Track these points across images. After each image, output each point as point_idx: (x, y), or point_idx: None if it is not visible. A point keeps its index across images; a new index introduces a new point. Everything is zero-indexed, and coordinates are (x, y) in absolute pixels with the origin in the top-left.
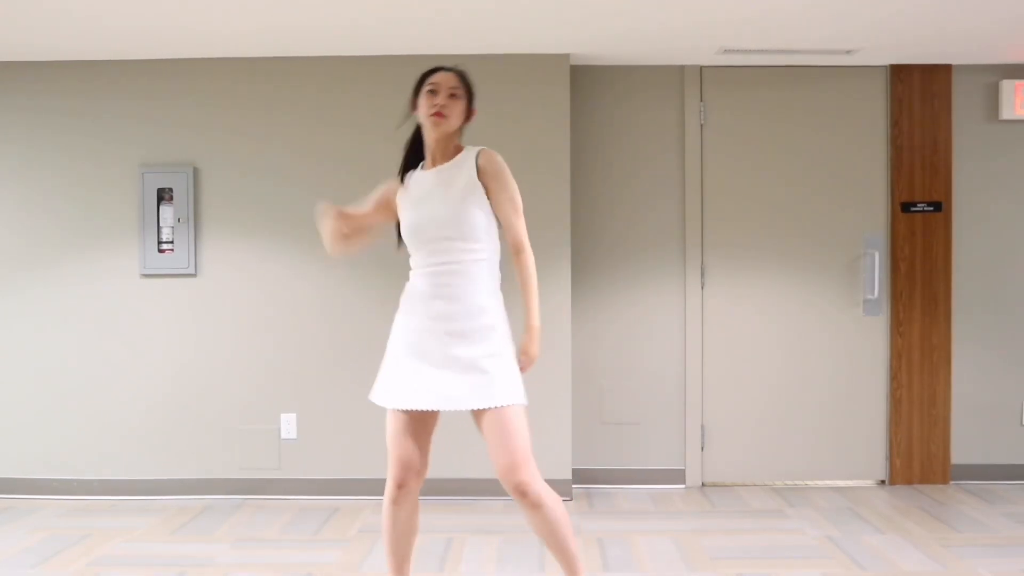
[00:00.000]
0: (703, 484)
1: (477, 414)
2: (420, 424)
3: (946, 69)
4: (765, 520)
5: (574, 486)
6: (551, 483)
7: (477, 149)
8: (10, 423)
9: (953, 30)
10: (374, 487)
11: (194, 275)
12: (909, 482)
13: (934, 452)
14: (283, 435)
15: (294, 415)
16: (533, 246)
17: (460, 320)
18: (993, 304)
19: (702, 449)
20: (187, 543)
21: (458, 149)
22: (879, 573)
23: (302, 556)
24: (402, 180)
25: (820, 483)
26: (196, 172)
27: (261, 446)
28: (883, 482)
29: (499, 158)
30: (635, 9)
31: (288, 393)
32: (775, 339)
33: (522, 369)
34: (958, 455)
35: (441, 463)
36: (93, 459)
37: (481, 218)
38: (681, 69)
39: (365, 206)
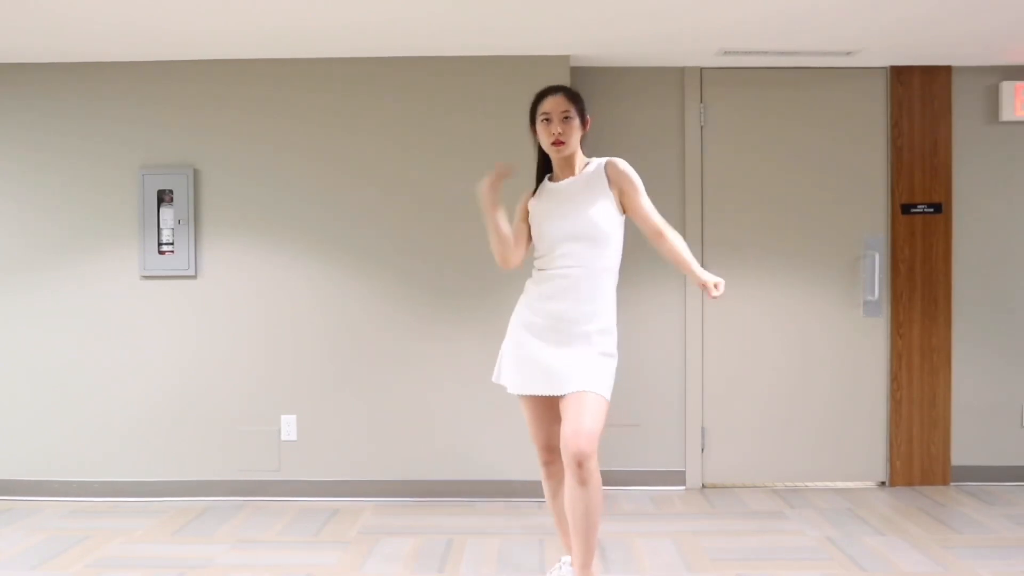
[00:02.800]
0: (703, 485)
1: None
2: (549, 408)
3: (946, 71)
4: (765, 521)
5: None
6: None
7: (604, 160)
8: (10, 424)
9: (953, 32)
10: (374, 488)
11: (194, 276)
12: (909, 483)
13: (934, 453)
14: (283, 436)
15: (294, 416)
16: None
17: (580, 322)
18: (993, 305)
19: (702, 450)
20: (187, 544)
21: (584, 161)
22: (879, 574)
23: (302, 557)
24: (534, 191)
25: (820, 484)
26: (196, 174)
27: (261, 448)
28: (883, 483)
29: (624, 164)
30: (636, 11)
31: (288, 394)
32: (775, 340)
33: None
34: (958, 456)
35: (441, 464)
36: (93, 460)
37: (608, 227)
38: (681, 70)
39: (513, 230)
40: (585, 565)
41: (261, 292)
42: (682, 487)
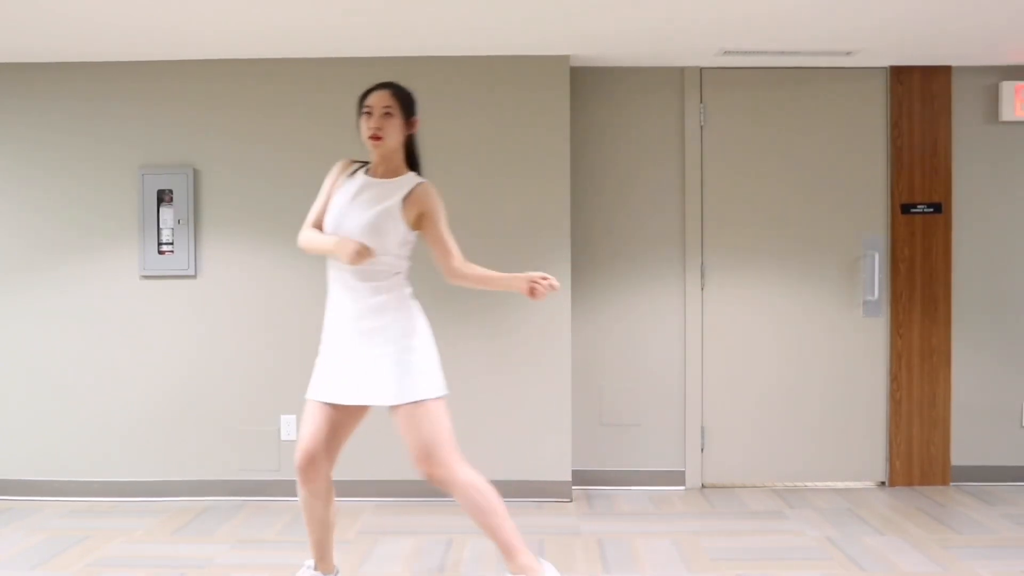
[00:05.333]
0: (703, 485)
1: (390, 408)
2: (341, 419)
3: (946, 71)
4: (765, 521)
5: (574, 487)
6: (551, 484)
7: (418, 181)
8: (10, 424)
9: (953, 31)
10: (373, 488)
11: (194, 276)
12: (909, 483)
13: (934, 454)
14: (283, 436)
15: (294, 416)
16: (533, 247)
17: (368, 319)
18: (993, 306)
19: (702, 450)
20: (187, 544)
21: (403, 168)
22: (879, 574)
23: (302, 557)
24: (351, 173)
25: (820, 484)
26: (196, 173)
27: (261, 447)
28: (883, 483)
29: (433, 193)
30: (635, 10)
31: (288, 394)
32: (775, 340)
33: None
34: (958, 456)
35: None
36: (93, 460)
37: (393, 238)
38: (681, 71)
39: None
40: (510, 558)
41: (261, 291)
42: (682, 487)
